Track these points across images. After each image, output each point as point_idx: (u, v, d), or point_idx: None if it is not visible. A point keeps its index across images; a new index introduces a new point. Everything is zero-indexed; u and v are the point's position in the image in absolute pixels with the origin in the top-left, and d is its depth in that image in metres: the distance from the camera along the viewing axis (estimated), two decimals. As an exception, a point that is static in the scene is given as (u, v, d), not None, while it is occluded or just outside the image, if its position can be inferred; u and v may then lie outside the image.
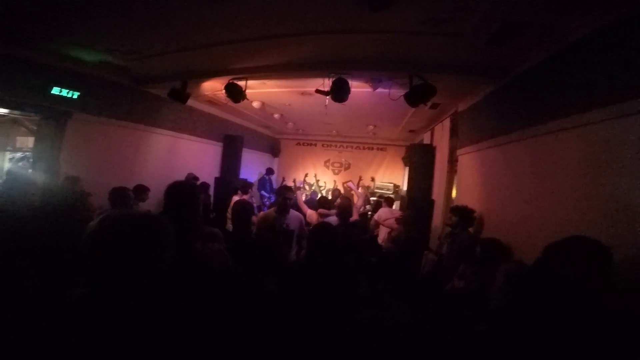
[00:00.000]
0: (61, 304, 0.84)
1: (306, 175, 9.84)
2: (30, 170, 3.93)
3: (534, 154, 2.57)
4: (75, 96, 3.89)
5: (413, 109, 4.59)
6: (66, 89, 3.79)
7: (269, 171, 8.72)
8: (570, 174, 2.10)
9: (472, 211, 3.21)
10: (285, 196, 3.02)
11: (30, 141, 5.21)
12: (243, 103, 4.28)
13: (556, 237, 1.85)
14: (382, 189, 8.24)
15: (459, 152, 4.49)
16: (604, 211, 1.76)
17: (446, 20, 2.24)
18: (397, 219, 4.43)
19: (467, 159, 4.17)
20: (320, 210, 3.98)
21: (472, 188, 3.86)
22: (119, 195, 2.97)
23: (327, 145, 10.00)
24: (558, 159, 2.27)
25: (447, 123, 5.02)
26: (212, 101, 5.70)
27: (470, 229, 3.26)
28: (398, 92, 3.43)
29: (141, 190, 4.06)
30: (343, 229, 3.14)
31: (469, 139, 4.07)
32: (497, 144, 3.23)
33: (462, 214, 3.19)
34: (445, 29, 2.37)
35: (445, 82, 3.35)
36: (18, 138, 5.84)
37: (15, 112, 3.82)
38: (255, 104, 5.55)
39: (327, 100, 3.77)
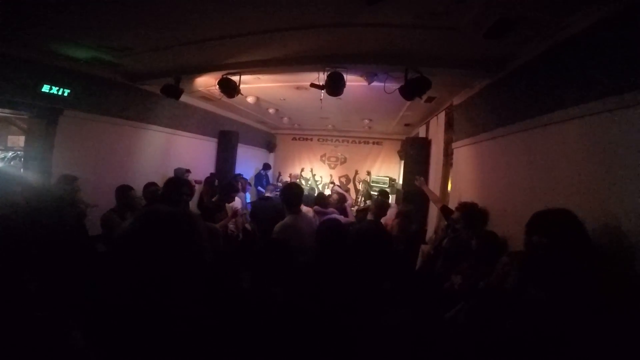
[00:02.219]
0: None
1: (302, 170, 9.86)
2: (21, 170, 3.88)
3: (530, 146, 2.58)
4: (66, 94, 3.83)
5: (408, 103, 4.58)
6: (57, 86, 3.72)
7: (266, 166, 8.70)
8: (567, 166, 2.11)
9: (479, 211, 2.93)
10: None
11: (21, 140, 5.14)
12: (237, 98, 4.24)
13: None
14: (378, 182, 8.26)
15: (454, 145, 4.50)
16: (600, 204, 1.77)
17: (442, 13, 2.22)
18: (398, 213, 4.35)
19: (463, 152, 4.18)
20: (316, 208, 3.97)
21: (468, 181, 3.88)
22: (124, 193, 3.00)
23: (323, 140, 9.98)
24: (555, 151, 2.27)
25: (442, 116, 5.02)
26: (206, 97, 5.64)
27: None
28: (393, 86, 3.42)
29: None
30: (374, 226, 3.12)
31: (465, 131, 4.08)
32: (493, 136, 3.24)
33: (465, 211, 2.91)
34: (442, 22, 2.35)
35: (440, 75, 3.33)
36: (9, 137, 5.76)
37: (5, 110, 3.75)
38: (250, 99, 5.51)
39: (322, 95, 3.75)
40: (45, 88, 3.63)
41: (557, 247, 1.27)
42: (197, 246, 0.87)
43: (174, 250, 0.83)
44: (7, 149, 5.45)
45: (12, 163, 4.65)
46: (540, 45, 2.42)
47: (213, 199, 4.14)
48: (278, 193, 5.74)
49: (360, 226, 3.38)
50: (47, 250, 1.81)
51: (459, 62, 3.08)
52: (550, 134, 2.33)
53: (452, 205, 3.69)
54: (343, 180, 9.75)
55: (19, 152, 4.93)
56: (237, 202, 4.56)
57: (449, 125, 4.74)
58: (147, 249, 0.81)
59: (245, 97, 5.17)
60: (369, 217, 3.37)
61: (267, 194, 5.16)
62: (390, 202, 5.71)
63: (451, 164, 4.70)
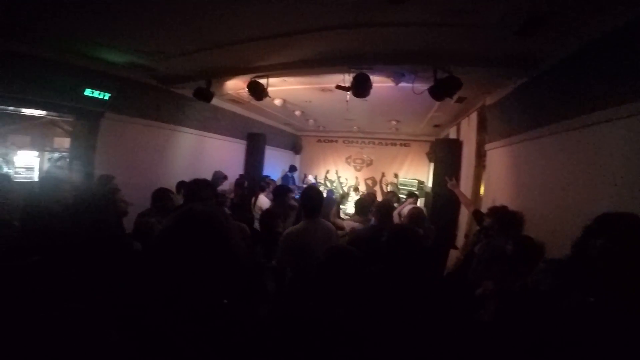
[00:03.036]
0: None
1: (327, 172, 9.84)
2: (66, 170, 4.15)
3: (569, 148, 2.42)
4: (106, 97, 4.06)
5: (438, 103, 4.44)
6: (98, 90, 3.96)
7: (292, 168, 8.78)
8: (609, 169, 1.96)
9: (512, 214, 2.80)
10: None
11: (66, 141, 5.51)
12: (265, 101, 4.31)
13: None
14: (406, 185, 8.08)
15: (487, 146, 4.31)
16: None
17: (470, 11, 2.13)
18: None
19: (497, 154, 3.99)
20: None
21: (502, 184, 3.70)
22: (160, 196, 3.12)
23: (349, 142, 9.91)
24: (596, 153, 2.12)
25: (474, 117, 4.82)
26: (235, 100, 5.79)
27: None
28: (422, 86, 3.32)
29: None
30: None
31: (499, 133, 3.89)
32: (530, 137, 3.06)
33: (498, 216, 2.80)
34: (470, 20, 2.25)
35: (471, 74, 3.20)
36: (55, 139, 6.18)
37: (52, 113, 4.04)
38: (277, 102, 5.58)
39: (348, 96, 3.72)
40: (88, 92, 3.88)
41: (624, 252, 1.17)
42: (233, 244, 0.86)
43: (211, 249, 0.82)
44: (53, 150, 5.85)
45: (58, 163, 4.99)
46: (578, 41, 2.26)
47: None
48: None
49: (359, 233, 3.14)
50: (91, 247, 1.92)
51: (491, 60, 2.95)
52: (590, 135, 2.17)
53: (485, 209, 3.53)
54: (369, 182, 9.62)
55: (64, 153, 5.28)
56: (265, 202, 4.60)
57: (481, 126, 4.55)
58: (185, 247, 0.81)
59: (273, 99, 5.25)
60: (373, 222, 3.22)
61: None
62: (419, 205, 5.56)
63: (484, 166, 4.51)
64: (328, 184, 9.20)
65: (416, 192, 6.34)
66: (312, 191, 2.57)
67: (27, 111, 3.83)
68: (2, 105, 3.42)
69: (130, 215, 3.11)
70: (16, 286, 1.21)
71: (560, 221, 2.41)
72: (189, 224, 0.84)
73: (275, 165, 8.65)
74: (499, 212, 2.85)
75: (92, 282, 1.41)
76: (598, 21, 2.00)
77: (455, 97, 3.69)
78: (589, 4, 1.88)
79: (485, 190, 4.43)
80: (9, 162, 4.89)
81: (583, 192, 2.20)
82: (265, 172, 7.38)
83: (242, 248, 0.88)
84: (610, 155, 1.98)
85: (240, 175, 6.39)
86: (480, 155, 4.61)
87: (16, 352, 0.76)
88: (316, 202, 2.45)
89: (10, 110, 3.78)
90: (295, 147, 10.20)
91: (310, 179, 9.40)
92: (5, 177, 2.23)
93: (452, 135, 6.44)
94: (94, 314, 0.84)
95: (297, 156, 10.38)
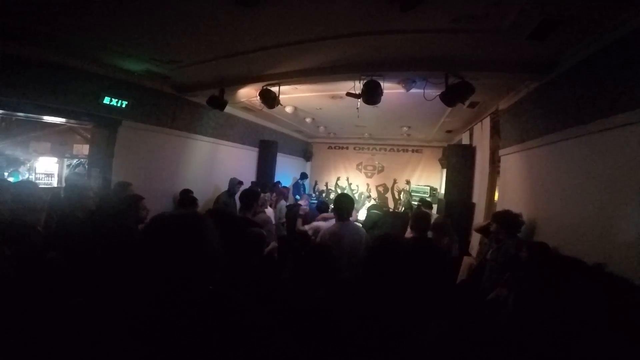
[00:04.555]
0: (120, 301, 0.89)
1: (338, 179, 9.85)
2: (85, 177, 4.28)
3: (588, 152, 2.37)
4: (124, 105, 4.19)
5: (450, 109, 4.41)
6: (116, 98, 4.08)
7: (303, 176, 8.81)
8: (631, 171, 1.91)
9: (515, 215, 2.91)
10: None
11: (85, 148, 5.68)
12: (276, 108, 4.37)
13: (611, 241, 1.69)
14: (418, 192, 8.00)
15: (501, 152, 4.25)
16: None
17: (481, 16, 2.14)
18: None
19: (511, 160, 3.92)
20: (323, 215, 3.97)
21: (517, 190, 3.63)
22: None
23: (359, 149, 9.91)
24: (615, 158, 2.07)
25: (487, 122, 4.77)
26: (247, 107, 5.88)
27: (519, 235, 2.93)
28: (433, 92, 3.32)
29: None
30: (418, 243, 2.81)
31: (513, 138, 3.83)
32: (545, 142, 3.01)
33: (503, 220, 2.91)
34: (481, 25, 2.25)
35: (484, 79, 3.18)
36: (74, 145, 6.39)
37: (71, 121, 4.16)
38: (288, 109, 5.65)
39: (358, 103, 3.73)
40: (106, 100, 4.00)
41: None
42: (207, 245, 0.92)
43: (182, 250, 0.88)
44: (72, 157, 6.04)
45: (77, 170, 5.14)
46: (593, 45, 2.24)
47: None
48: (311, 202, 5.95)
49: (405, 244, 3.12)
50: (110, 252, 1.98)
51: (504, 65, 2.92)
52: (609, 139, 2.13)
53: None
54: (381, 189, 9.58)
55: (82, 160, 5.43)
56: (268, 212, 4.58)
57: (495, 132, 4.49)
58: (156, 251, 0.87)
59: (284, 107, 5.31)
60: (410, 233, 3.20)
61: (301, 202, 5.29)
62: (432, 212, 5.49)
63: (498, 172, 4.43)
64: (339, 190, 9.19)
65: (429, 200, 6.28)
66: (343, 197, 2.98)
67: (47, 118, 3.95)
68: (24, 112, 3.55)
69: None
70: (35, 283, 1.26)
71: (578, 227, 2.35)
72: (158, 229, 0.92)
73: (286, 172, 8.71)
74: (500, 216, 2.99)
75: (109, 282, 1.46)
76: (613, 24, 1.98)
77: (467, 102, 3.67)
78: (602, 7, 1.86)
79: (499, 196, 4.35)
80: (31, 169, 5.07)
81: (601, 197, 2.15)
82: (277, 179, 7.43)
83: (214, 245, 0.93)
84: (631, 159, 1.93)
85: (252, 182, 6.46)
86: (494, 161, 4.54)
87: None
88: (347, 207, 2.84)
89: (32, 118, 3.92)
90: (306, 154, 10.25)
91: (320, 187, 9.46)
92: (31, 183, 2.32)
93: (465, 140, 6.37)
94: (104, 310, 0.88)
95: (308, 163, 10.42)
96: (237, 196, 4.47)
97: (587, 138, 2.38)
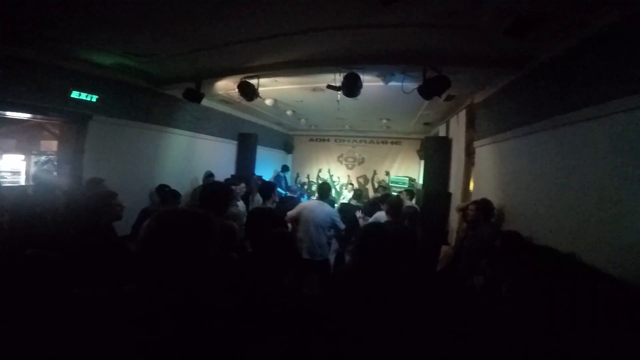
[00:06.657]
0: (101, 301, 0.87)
1: (319, 171, 9.87)
2: (55, 174, 4.07)
3: (556, 145, 2.49)
4: (94, 99, 4.00)
5: (427, 102, 4.49)
6: (85, 92, 3.90)
7: (284, 168, 8.76)
8: (598, 163, 2.02)
9: (490, 202, 3.19)
10: None
11: (54, 145, 5.40)
12: (256, 101, 4.30)
13: (580, 230, 1.79)
14: (397, 183, 8.15)
15: (476, 144, 4.39)
16: (635, 207, 1.67)
17: (460, 12, 2.18)
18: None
19: (485, 151, 4.06)
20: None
21: (491, 180, 3.77)
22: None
23: (340, 141, 9.96)
24: (582, 150, 2.18)
25: (463, 115, 4.90)
26: (225, 100, 5.76)
27: (492, 220, 3.20)
28: (411, 85, 3.37)
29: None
30: (395, 226, 3.16)
31: (487, 130, 3.97)
32: (517, 135, 3.14)
33: (483, 204, 3.17)
34: (460, 21, 2.30)
35: (461, 73, 3.26)
36: (42, 142, 6.05)
37: (38, 116, 3.94)
38: (268, 102, 5.57)
39: (339, 96, 3.74)
40: (75, 94, 3.81)
41: None
42: (211, 243, 0.91)
43: (188, 247, 0.88)
44: (40, 154, 5.73)
45: (45, 167, 4.89)
46: (567, 41, 2.33)
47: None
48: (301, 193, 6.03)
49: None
50: (84, 252, 1.90)
51: (480, 60, 3.01)
52: (578, 132, 2.24)
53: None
54: (361, 180, 9.69)
55: (51, 157, 5.17)
56: (240, 206, 4.47)
57: (470, 124, 4.62)
58: (164, 246, 0.86)
59: (264, 99, 5.24)
60: (388, 217, 3.32)
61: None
62: (412, 202, 5.60)
63: (473, 163, 4.58)
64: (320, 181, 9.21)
65: (413, 190, 6.41)
66: (324, 184, 3.95)
67: (11, 114, 3.72)
68: (-15, 108, 3.33)
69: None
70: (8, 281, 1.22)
71: (548, 217, 2.48)
72: (167, 225, 0.91)
73: (267, 164, 8.63)
74: (480, 202, 3.21)
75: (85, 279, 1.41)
76: (587, 21, 2.06)
77: (444, 95, 3.75)
78: (576, 5, 1.93)
79: (474, 187, 4.51)
80: (-5, 167, 4.76)
81: (571, 188, 2.26)
82: (257, 172, 7.35)
83: (217, 245, 0.94)
84: (598, 150, 2.03)
85: (232, 176, 6.36)
86: (470, 153, 4.69)
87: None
88: (324, 189, 3.81)
89: (-6, 114, 3.67)
90: (287, 146, 10.19)
91: (302, 180, 9.46)
92: None
93: (442, 133, 6.53)
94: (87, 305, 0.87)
95: (289, 155, 10.37)
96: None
97: (556, 131, 2.49)
